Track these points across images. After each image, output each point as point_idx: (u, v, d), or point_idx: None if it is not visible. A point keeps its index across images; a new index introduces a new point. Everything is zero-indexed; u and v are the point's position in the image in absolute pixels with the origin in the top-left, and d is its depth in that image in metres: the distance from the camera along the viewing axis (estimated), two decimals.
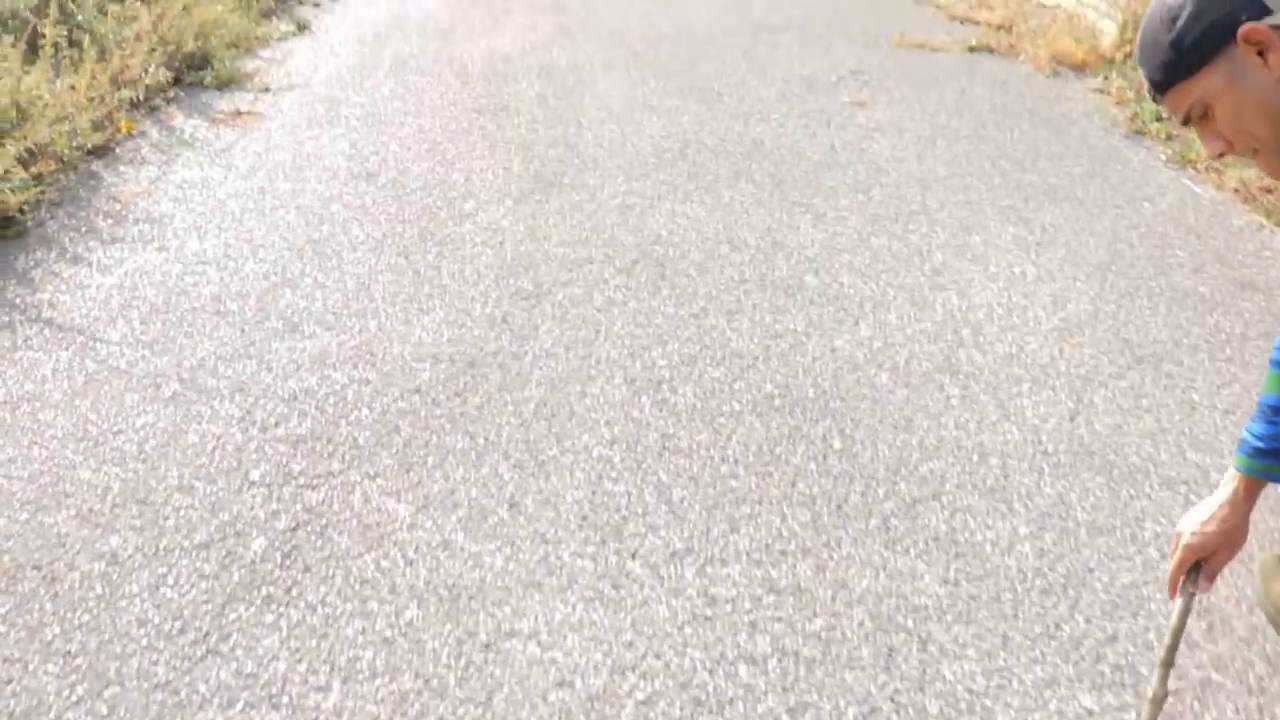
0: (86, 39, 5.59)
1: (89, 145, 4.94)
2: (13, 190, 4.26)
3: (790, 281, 3.81)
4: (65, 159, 4.75)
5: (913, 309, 3.65)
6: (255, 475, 2.85)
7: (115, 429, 3.06)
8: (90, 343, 3.50)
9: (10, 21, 5.66)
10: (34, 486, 2.83)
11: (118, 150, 5.14)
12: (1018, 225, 4.32)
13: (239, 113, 5.62)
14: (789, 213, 4.36)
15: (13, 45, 4.94)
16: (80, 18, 5.97)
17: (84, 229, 4.33)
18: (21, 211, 4.33)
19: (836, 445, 2.94)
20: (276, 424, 3.05)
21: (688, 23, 7.42)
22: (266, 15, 7.50)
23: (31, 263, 4.07)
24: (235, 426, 3.05)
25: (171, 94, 5.83)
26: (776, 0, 8.20)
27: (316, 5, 8.06)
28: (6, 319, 3.68)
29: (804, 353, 3.38)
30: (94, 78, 5.31)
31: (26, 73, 4.95)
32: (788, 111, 5.57)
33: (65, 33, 5.74)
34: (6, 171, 4.27)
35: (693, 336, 3.45)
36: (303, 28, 7.30)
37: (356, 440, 2.97)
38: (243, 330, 3.54)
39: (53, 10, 5.36)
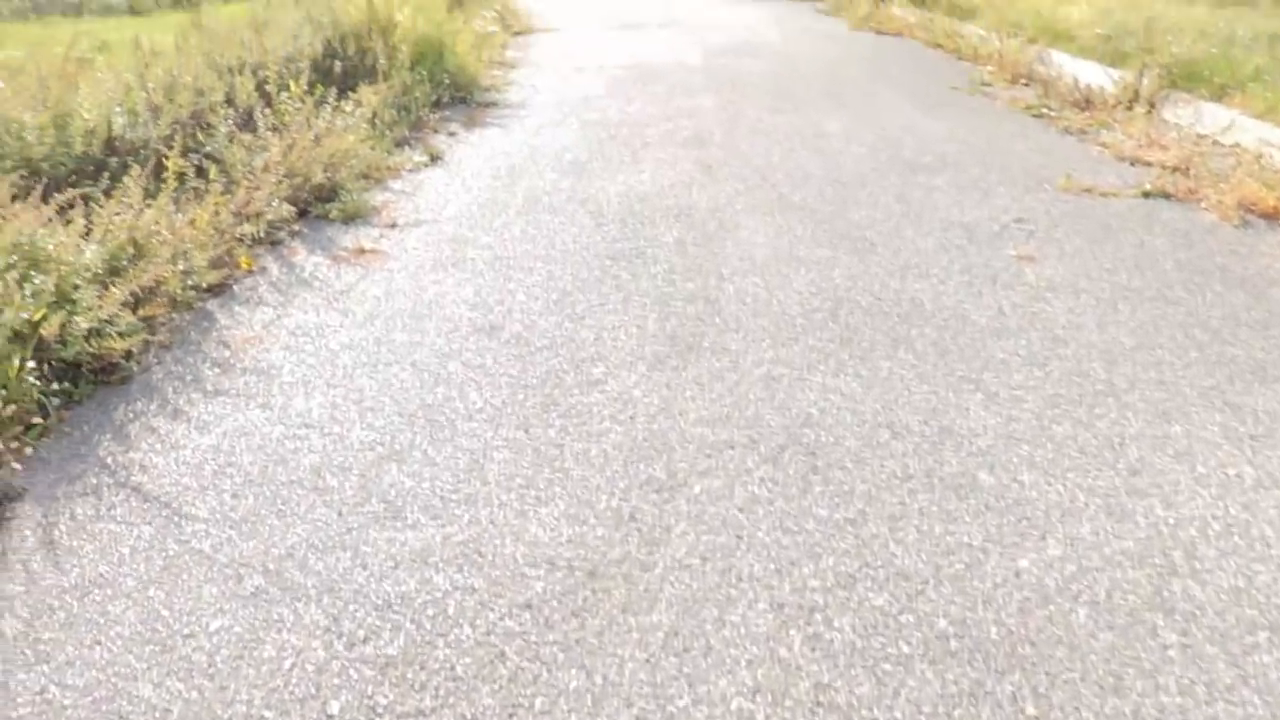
0: (213, 169, 5.43)
1: (205, 284, 4.70)
2: (120, 335, 4.01)
3: (962, 480, 3.29)
4: (178, 299, 4.51)
5: (1109, 521, 3.10)
6: (334, 708, 2.43)
7: (187, 630, 2.68)
8: (175, 518, 3.16)
9: (141, 151, 5.52)
10: (87, 701, 2.46)
11: (235, 288, 4.90)
12: (1225, 412, 3.75)
13: (362, 250, 5.36)
14: (956, 390, 3.86)
15: (135, 179, 4.75)
16: (210, 147, 5.82)
17: (189, 377, 4.04)
18: (127, 357, 4.07)
19: (1030, 710, 2.40)
20: (365, 639, 2.63)
21: (835, 161, 7.02)
22: (399, 144, 7.33)
23: (130, 414, 3.78)
24: (319, 639, 2.64)
25: (296, 226, 5.62)
26: (927, 137, 7.78)
27: (451, 134, 7.89)
28: (94, 481, 3.38)
29: (982, 576, 2.86)
30: (217, 212, 5.11)
31: (148, 205, 4.76)
32: (948, 266, 5.10)
33: (196, 162, 5.60)
34: (113, 316, 4.01)
35: (850, 549, 2.96)
36: (435, 158, 7.10)
37: (454, 668, 2.53)
38: (340, 513, 3.15)
39: (179, 142, 5.20)
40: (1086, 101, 8.91)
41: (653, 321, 4.43)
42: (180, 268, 4.48)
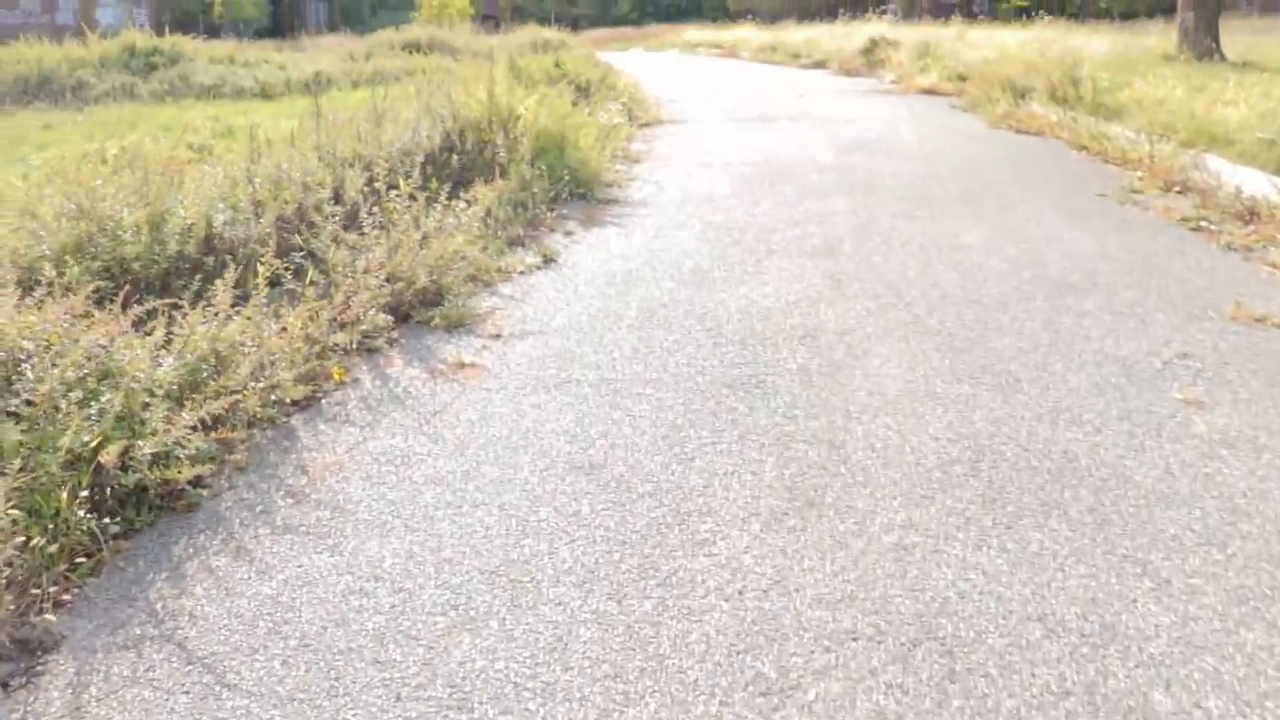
0: (311, 272, 5.17)
1: (290, 399, 4.39)
2: (189, 460, 3.69)
3: (1131, 701, 2.74)
4: (258, 417, 4.20)
5: None
6: None
7: None
8: (216, 687, 2.80)
9: (240, 250, 5.29)
10: None
11: (324, 402, 4.60)
12: None
13: (462, 364, 5.02)
14: (1119, 574, 3.31)
15: (224, 284, 4.49)
16: (312, 246, 5.57)
17: (259, 508, 3.71)
18: (194, 484, 3.75)
19: None
20: None
21: (975, 279, 6.50)
22: (513, 244, 7.05)
23: (191, 550, 3.46)
24: None
25: (395, 334, 5.31)
26: (1074, 251, 7.21)
27: (568, 234, 7.59)
28: (138, 632, 3.05)
29: None
30: (312, 317, 4.83)
31: (237, 312, 4.49)
32: (1104, 410, 4.54)
33: (296, 261, 5.36)
34: (182, 439, 3.70)
35: None
36: (549, 260, 6.80)
37: None
38: (399, 696, 2.75)
39: (273, 244, 4.96)
40: (1251, 214, 8.23)
41: (770, 468, 3.96)
42: (262, 384, 4.17)
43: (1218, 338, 5.49)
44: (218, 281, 4.59)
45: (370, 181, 6.48)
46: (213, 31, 41.68)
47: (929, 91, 18.94)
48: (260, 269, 4.71)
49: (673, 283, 6.36)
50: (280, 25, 58.69)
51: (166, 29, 25.64)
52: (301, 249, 5.57)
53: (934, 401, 4.58)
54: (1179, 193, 9.42)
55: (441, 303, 5.65)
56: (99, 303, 4.35)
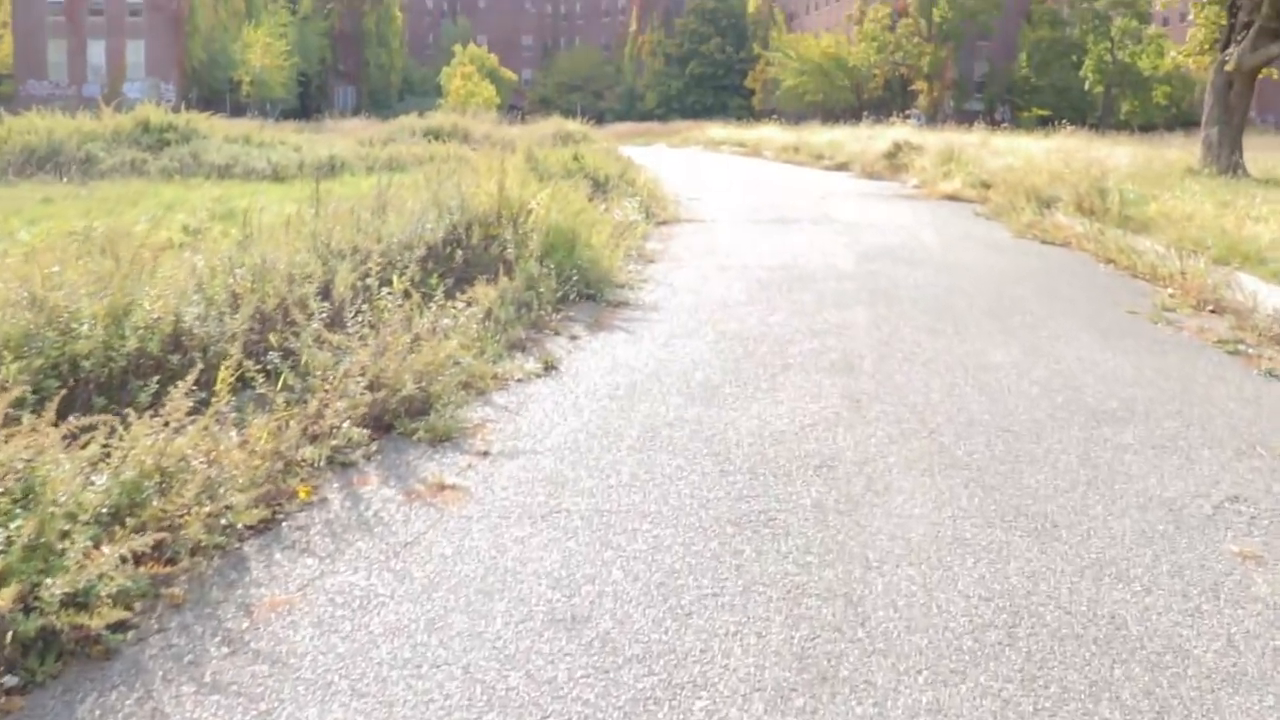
0: (286, 374, 4.75)
1: (243, 524, 3.94)
2: (110, 600, 3.22)
3: None
4: (203, 545, 3.74)
5: None
6: None
7: None
8: None
9: (210, 349, 4.87)
10: None
11: (284, 525, 4.15)
12: None
13: (443, 486, 4.57)
14: None
15: (180, 389, 4.06)
16: (293, 345, 5.15)
17: (188, 658, 3.24)
18: (114, 629, 3.26)
19: None
20: None
21: (1005, 404, 6.04)
22: (513, 346, 6.63)
23: (96, 712, 2.97)
24: None
25: (374, 447, 4.85)
26: (1109, 376, 6.75)
27: (573, 338, 7.17)
28: None
29: None
30: (281, 427, 4.39)
31: (192, 420, 4.05)
32: (1152, 564, 4.05)
33: (272, 363, 4.93)
34: (104, 575, 3.23)
35: None
36: (549, 367, 6.38)
37: None
38: None
39: (239, 344, 4.54)
40: None
41: (777, 628, 3.47)
42: (208, 510, 3.71)
43: (1270, 479, 5.01)
44: (179, 384, 4.16)
45: (365, 276, 6.08)
46: (239, 110, 42.04)
47: (952, 197, 18.69)
48: (222, 374, 4.27)
49: (680, 398, 5.92)
50: (307, 107, 59.36)
51: (184, 105, 25.67)
52: (280, 348, 5.15)
53: (963, 550, 4.10)
54: (1212, 312, 9.02)
55: (429, 413, 5.21)
56: (39, 406, 3.92)
